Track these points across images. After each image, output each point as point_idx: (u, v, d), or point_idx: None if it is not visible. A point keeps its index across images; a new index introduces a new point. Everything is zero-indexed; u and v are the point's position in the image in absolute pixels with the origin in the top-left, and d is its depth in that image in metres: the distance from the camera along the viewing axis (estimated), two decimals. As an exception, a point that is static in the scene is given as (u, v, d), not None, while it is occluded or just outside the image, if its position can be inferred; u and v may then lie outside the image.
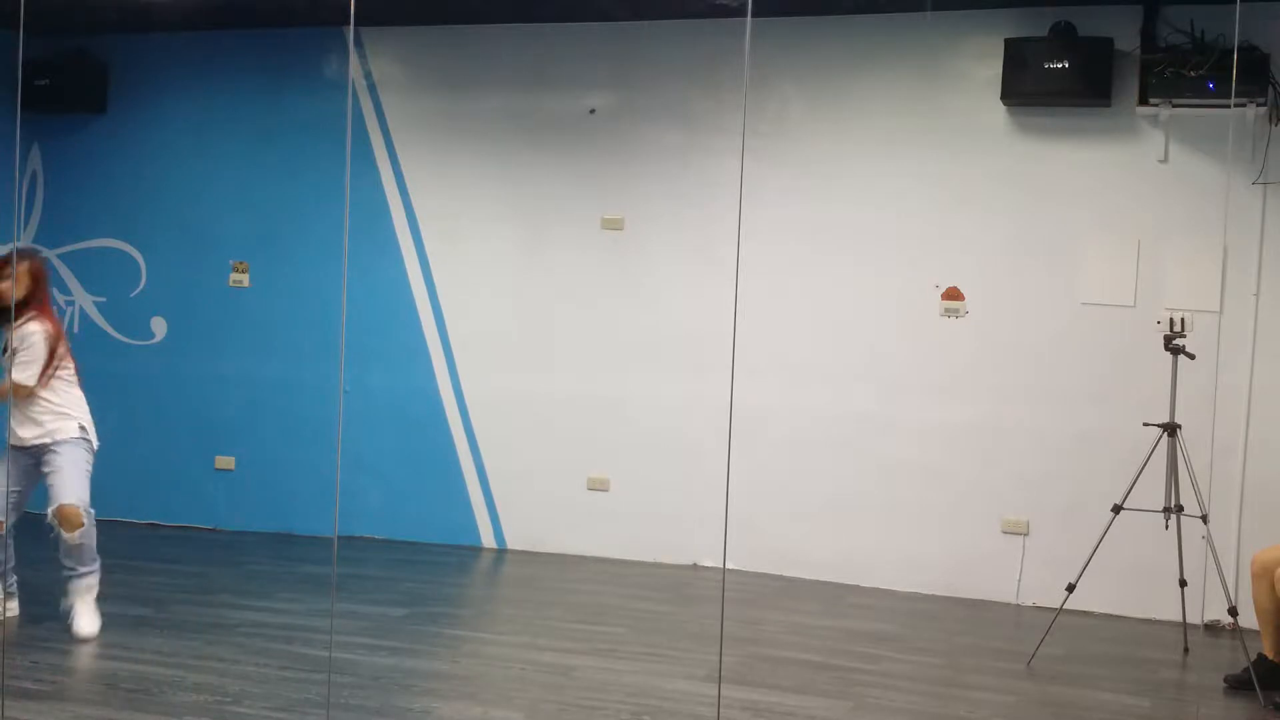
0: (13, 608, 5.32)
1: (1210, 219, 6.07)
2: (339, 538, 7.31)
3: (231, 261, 7.63)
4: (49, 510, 5.13)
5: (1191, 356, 5.37)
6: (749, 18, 4.94)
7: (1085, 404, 6.27)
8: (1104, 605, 6.14)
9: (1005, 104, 6.34)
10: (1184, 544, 5.45)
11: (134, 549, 6.76)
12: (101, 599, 5.32)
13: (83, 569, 5.17)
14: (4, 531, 5.17)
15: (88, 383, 7.77)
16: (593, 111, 7.10)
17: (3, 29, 5.41)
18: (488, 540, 7.31)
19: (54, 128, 7.78)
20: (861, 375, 6.64)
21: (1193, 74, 5.87)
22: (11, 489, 5.19)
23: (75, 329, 7.89)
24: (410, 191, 7.37)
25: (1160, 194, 6.20)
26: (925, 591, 6.52)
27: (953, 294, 6.52)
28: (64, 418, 5.25)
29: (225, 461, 7.63)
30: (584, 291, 7.10)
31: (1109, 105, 6.18)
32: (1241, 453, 6.08)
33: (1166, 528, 5.39)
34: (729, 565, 6.63)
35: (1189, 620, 5.70)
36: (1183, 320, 5.42)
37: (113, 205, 7.81)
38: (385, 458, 7.34)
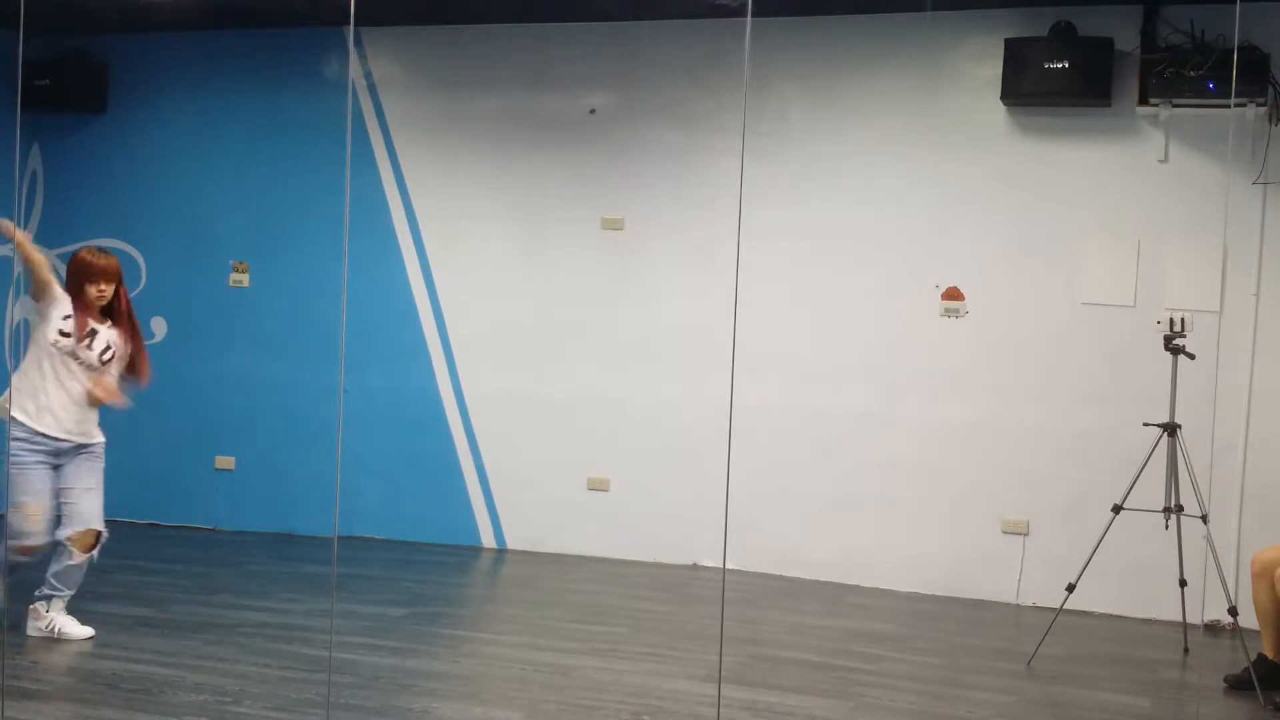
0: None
1: (1210, 219, 6.07)
2: (339, 538, 7.31)
3: (231, 261, 7.64)
4: (71, 532, 5.03)
5: (1191, 356, 5.37)
6: (749, 18, 4.94)
7: (1085, 404, 6.27)
8: (1104, 605, 6.14)
9: (1005, 104, 6.34)
10: (1184, 544, 5.45)
11: (134, 549, 6.76)
12: (102, 599, 5.32)
13: (67, 590, 5.12)
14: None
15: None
16: (593, 111, 7.10)
17: (3, 29, 5.41)
18: (488, 540, 7.32)
19: (54, 128, 7.78)
20: (861, 375, 6.64)
21: (1193, 74, 5.87)
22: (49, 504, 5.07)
23: (75, 329, 7.89)
24: (410, 191, 7.37)
25: (1160, 194, 6.21)
26: (925, 591, 6.52)
27: (953, 294, 6.52)
28: (95, 419, 5.17)
29: (225, 461, 7.64)
30: (584, 291, 7.11)
31: (1109, 105, 6.18)
32: (1241, 453, 6.08)
33: (1166, 528, 5.39)
34: (729, 565, 6.63)
35: (1189, 620, 5.70)
36: (1183, 320, 5.42)
37: (113, 205, 7.82)
38: (385, 458, 7.34)
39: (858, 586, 6.59)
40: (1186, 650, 5.65)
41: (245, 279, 7.61)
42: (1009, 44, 6.22)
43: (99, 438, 5.16)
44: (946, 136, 6.51)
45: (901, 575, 6.57)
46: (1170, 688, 5.20)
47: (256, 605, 5.79)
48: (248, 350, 7.58)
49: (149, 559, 6.67)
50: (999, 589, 6.42)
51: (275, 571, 6.51)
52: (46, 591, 5.11)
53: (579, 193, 7.11)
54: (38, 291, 5.08)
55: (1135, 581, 6.07)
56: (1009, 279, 6.43)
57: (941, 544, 6.51)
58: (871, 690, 4.85)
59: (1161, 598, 5.94)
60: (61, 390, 5.01)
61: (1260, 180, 6.03)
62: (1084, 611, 6.02)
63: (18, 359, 7.92)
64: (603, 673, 4.94)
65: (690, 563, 6.95)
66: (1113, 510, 5.32)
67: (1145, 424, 5.43)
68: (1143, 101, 6.08)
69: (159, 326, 7.71)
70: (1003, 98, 6.30)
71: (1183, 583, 5.58)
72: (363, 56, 7.42)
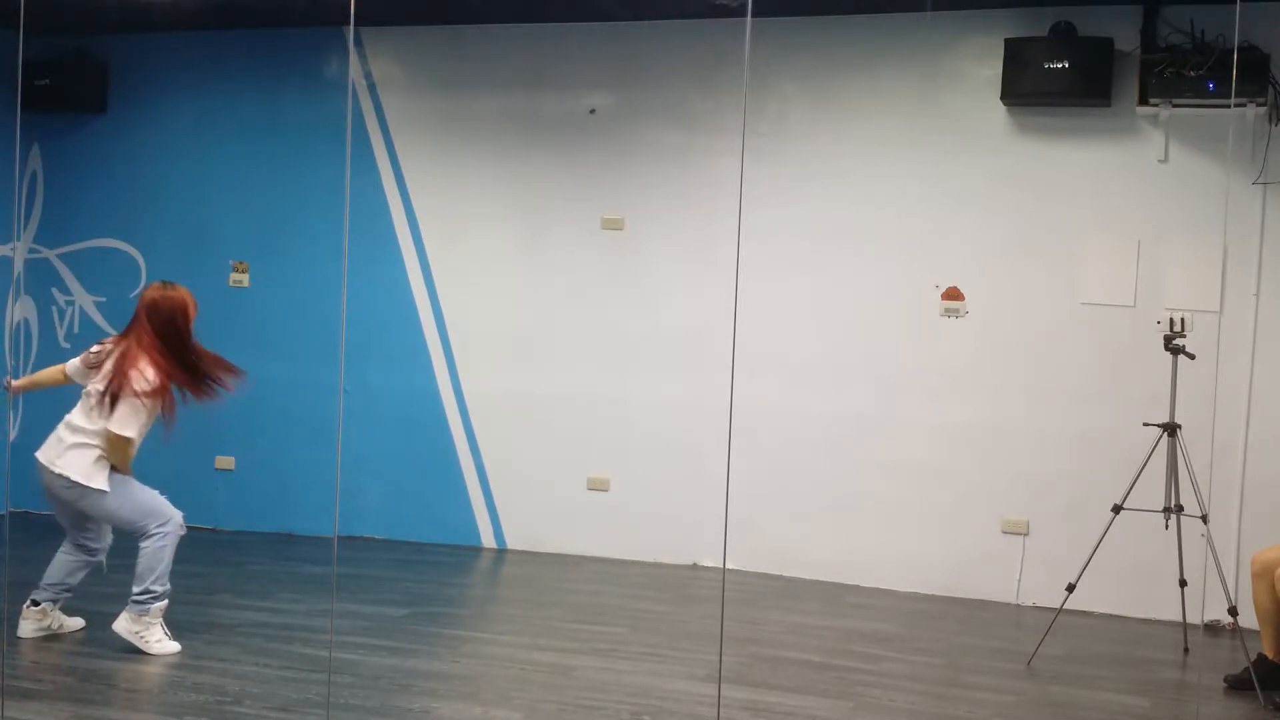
0: (78, 620, 5.29)
1: (1210, 219, 6.07)
2: (339, 538, 7.31)
3: (231, 261, 7.63)
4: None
5: (1191, 356, 5.37)
6: (749, 18, 4.93)
7: (1085, 404, 6.27)
8: (1104, 605, 6.14)
9: (1005, 104, 6.34)
10: (1184, 544, 5.45)
11: (134, 549, 6.74)
12: (102, 599, 5.32)
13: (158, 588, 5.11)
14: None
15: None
16: (593, 111, 7.10)
17: (3, 29, 5.41)
18: (488, 540, 7.32)
19: (54, 128, 7.78)
20: (861, 375, 6.64)
21: (1193, 74, 5.87)
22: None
23: (75, 329, 7.90)
24: (410, 191, 7.37)
25: (1160, 194, 6.21)
26: (925, 591, 6.52)
27: (953, 294, 6.52)
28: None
29: (225, 461, 7.64)
30: (584, 291, 7.11)
31: (1109, 105, 6.18)
32: (1241, 453, 6.08)
33: (1166, 528, 5.39)
34: (729, 565, 6.63)
35: (1189, 620, 5.70)
36: (1183, 320, 5.42)
37: (113, 205, 7.82)
38: (385, 458, 7.34)
39: (858, 586, 6.59)
40: (1186, 650, 5.65)
41: (245, 279, 7.61)
42: (1009, 44, 6.22)
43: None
44: (946, 136, 6.51)
45: (901, 575, 6.57)
46: (1170, 688, 5.20)
47: (256, 605, 5.79)
48: (248, 350, 7.55)
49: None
50: (999, 589, 6.42)
51: (275, 571, 6.51)
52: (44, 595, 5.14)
53: (579, 193, 7.11)
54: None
55: (1135, 581, 6.07)
56: (1009, 279, 6.43)
57: (941, 544, 6.51)
58: (871, 690, 4.85)
59: (1161, 598, 5.94)
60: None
61: (1260, 180, 6.03)
62: (1084, 611, 6.02)
63: (18, 359, 7.94)
64: (603, 673, 4.95)
65: (690, 563, 6.95)
66: (1113, 510, 5.32)
67: (1145, 424, 5.43)
68: (1143, 101, 6.08)
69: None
70: (1003, 98, 6.30)
71: (1183, 583, 5.58)
72: (363, 56, 7.42)
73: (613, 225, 7.06)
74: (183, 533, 5.09)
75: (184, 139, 7.72)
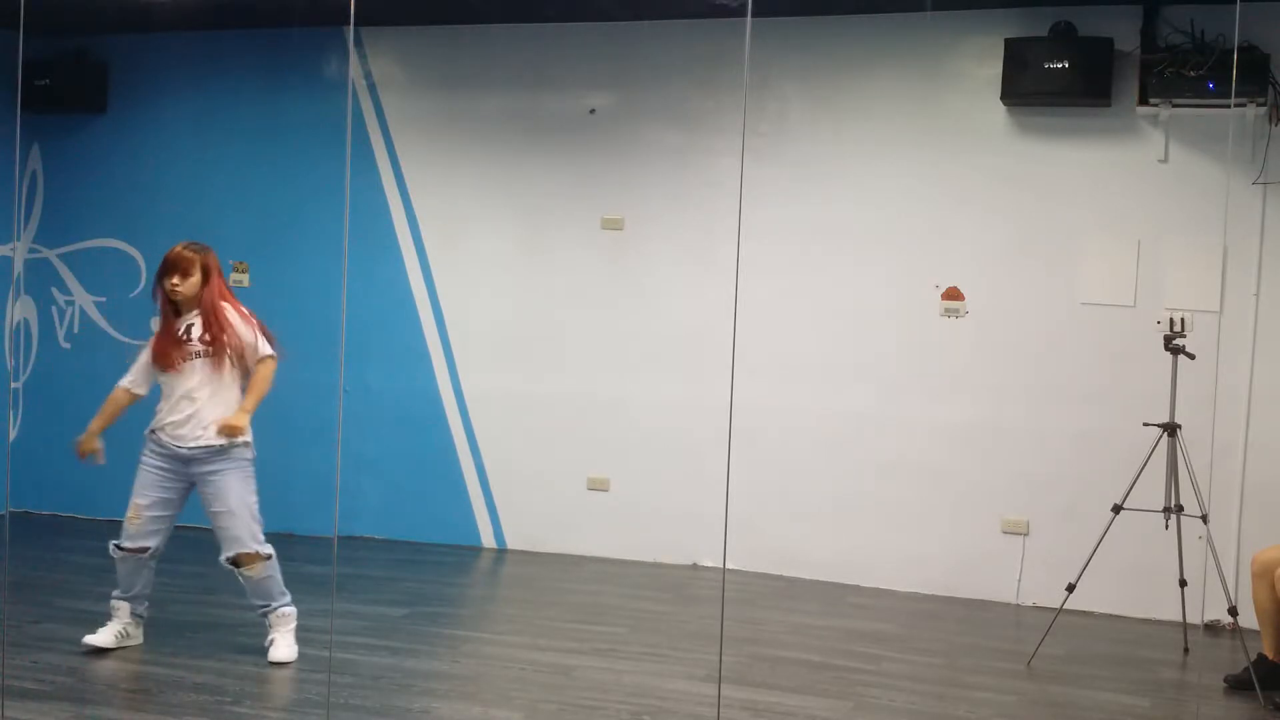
0: (137, 635, 5.12)
1: (1210, 219, 6.07)
2: (339, 538, 7.31)
3: (231, 261, 7.63)
4: (224, 557, 4.97)
5: (1191, 356, 5.37)
6: (749, 18, 4.93)
7: (1085, 404, 6.27)
8: (1104, 605, 6.14)
9: (1005, 104, 6.34)
10: (1184, 544, 5.45)
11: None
12: (102, 599, 5.31)
13: (274, 603, 5.01)
14: (145, 554, 5.01)
15: (88, 382, 7.80)
16: (593, 111, 7.10)
17: (3, 29, 5.41)
18: (488, 540, 7.31)
19: (54, 128, 7.78)
20: (861, 375, 6.64)
21: (1193, 74, 5.87)
22: (154, 513, 4.98)
23: (75, 329, 7.90)
24: (410, 191, 7.37)
25: (1160, 194, 6.20)
26: (925, 591, 6.52)
27: (953, 294, 6.52)
28: (213, 421, 4.99)
29: (225, 461, 7.62)
30: (584, 291, 7.10)
31: (1109, 105, 6.18)
32: (1241, 453, 6.08)
33: (1166, 528, 5.39)
34: (729, 565, 6.63)
35: (1189, 620, 5.70)
36: (1183, 320, 5.42)
37: (113, 205, 7.81)
38: (385, 458, 7.34)
39: (858, 586, 6.59)
40: (1186, 650, 5.65)
41: (245, 279, 7.61)
42: (1009, 44, 6.22)
43: (226, 440, 4.95)
44: (946, 136, 6.51)
45: (901, 575, 6.57)
46: (1170, 688, 5.20)
47: (257, 605, 5.78)
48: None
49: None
50: (999, 589, 6.42)
51: (275, 571, 6.50)
52: (258, 611, 5.06)
53: (579, 193, 7.10)
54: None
55: (1135, 581, 6.07)
56: (1009, 279, 6.43)
57: (941, 544, 6.51)
58: (871, 690, 4.85)
59: (1161, 598, 5.94)
60: (164, 397, 5.05)
61: (1260, 180, 6.03)
62: (1084, 611, 6.02)
63: (18, 359, 7.94)
64: (603, 673, 4.95)
65: (690, 563, 6.95)
66: (1113, 510, 5.32)
67: (1145, 424, 5.43)
68: (1143, 101, 6.08)
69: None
70: (1003, 98, 6.30)
71: (1183, 583, 5.58)
72: (363, 56, 7.42)
73: (613, 225, 7.06)
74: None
75: (184, 139, 7.72)
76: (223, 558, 4.99)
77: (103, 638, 4.99)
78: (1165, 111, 6.05)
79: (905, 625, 5.92)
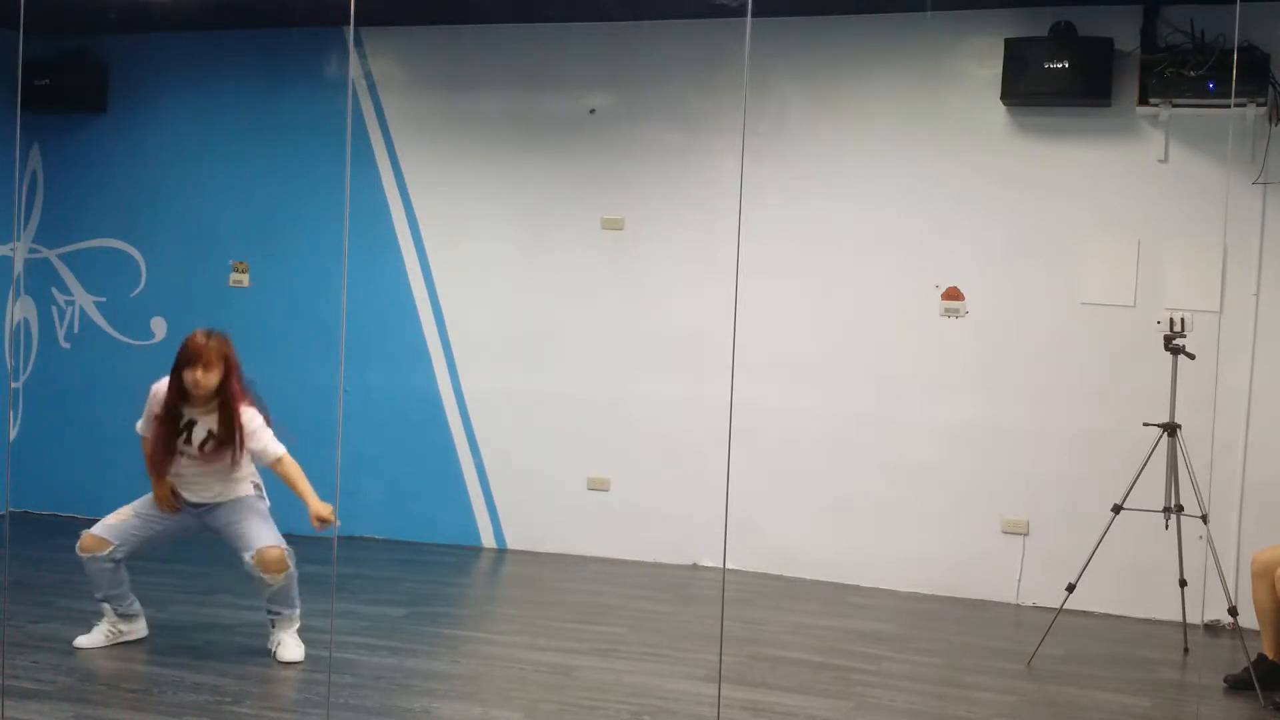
0: (134, 630, 5.14)
1: (1210, 219, 6.07)
2: (339, 538, 7.30)
3: (231, 261, 7.63)
4: (247, 557, 4.94)
5: (1191, 356, 5.37)
6: (749, 18, 4.94)
7: (1085, 404, 6.27)
8: (1104, 605, 6.14)
9: (1005, 104, 6.34)
10: (1184, 544, 5.45)
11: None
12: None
13: (286, 610, 5.00)
14: (107, 555, 4.97)
15: (88, 382, 7.81)
16: (593, 111, 7.10)
17: (3, 29, 5.42)
18: (488, 540, 7.32)
19: (54, 128, 7.78)
20: (861, 375, 6.64)
21: (1193, 74, 5.87)
22: (142, 524, 5.03)
23: (75, 329, 7.90)
24: (410, 191, 7.37)
25: (1160, 194, 6.21)
26: (925, 591, 6.52)
27: (953, 294, 6.52)
28: (237, 482, 5.10)
29: (225, 461, 7.62)
30: (584, 291, 7.11)
31: (1109, 105, 6.18)
32: (1241, 453, 6.08)
33: (1166, 528, 5.39)
34: (729, 565, 6.63)
35: (1189, 620, 5.70)
36: (1183, 320, 5.42)
37: (113, 205, 7.81)
38: (385, 458, 7.34)
39: (858, 586, 6.59)
40: (1186, 650, 5.65)
41: (245, 279, 7.61)
42: (1009, 44, 6.22)
43: (241, 494, 5.08)
44: (946, 136, 6.51)
45: (901, 575, 6.57)
46: (1170, 688, 5.20)
47: (256, 605, 5.77)
48: (248, 350, 7.53)
49: (149, 559, 6.64)
50: (999, 589, 6.42)
51: (275, 571, 6.49)
52: (269, 614, 5.04)
53: (579, 193, 7.10)
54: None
55: (1135, 581, 6.07)
56: (1009, 279, 6.43)
57: (941, 544, 6.51)
58: (871, 690, 4.85)
59: (1161, 598, 5.94)
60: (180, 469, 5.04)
61: (1260, 180, 6.03)
62: (1084, 611, 6.02)
63: (18, 359, 7.94)
64: (603, 673, 4.95)
65: (690, 563, 6.95)
66: (1113, 510, 5.32)
67: (1145, 424, 5.43)
68: (1143, 101, 6.08)
69: (159, 327, 7.70)
70: (1003, 98, 6.30)
71: (1183, 583, 5.58)
72: (363, 56, 7.42)
73: (613, 225, 7.06)
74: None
75: (184, 139, 7.72)
76: (246, 556, 4.95)
77: (93, 639, 5.03)
78: (1165, 111, 6.05)
79: (905, 625, 5.92)
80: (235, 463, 5.01)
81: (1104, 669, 5.28)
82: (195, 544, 7.18)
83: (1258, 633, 5.03)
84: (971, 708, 4.69)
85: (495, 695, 4.66)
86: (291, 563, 4.97)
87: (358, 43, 7.41)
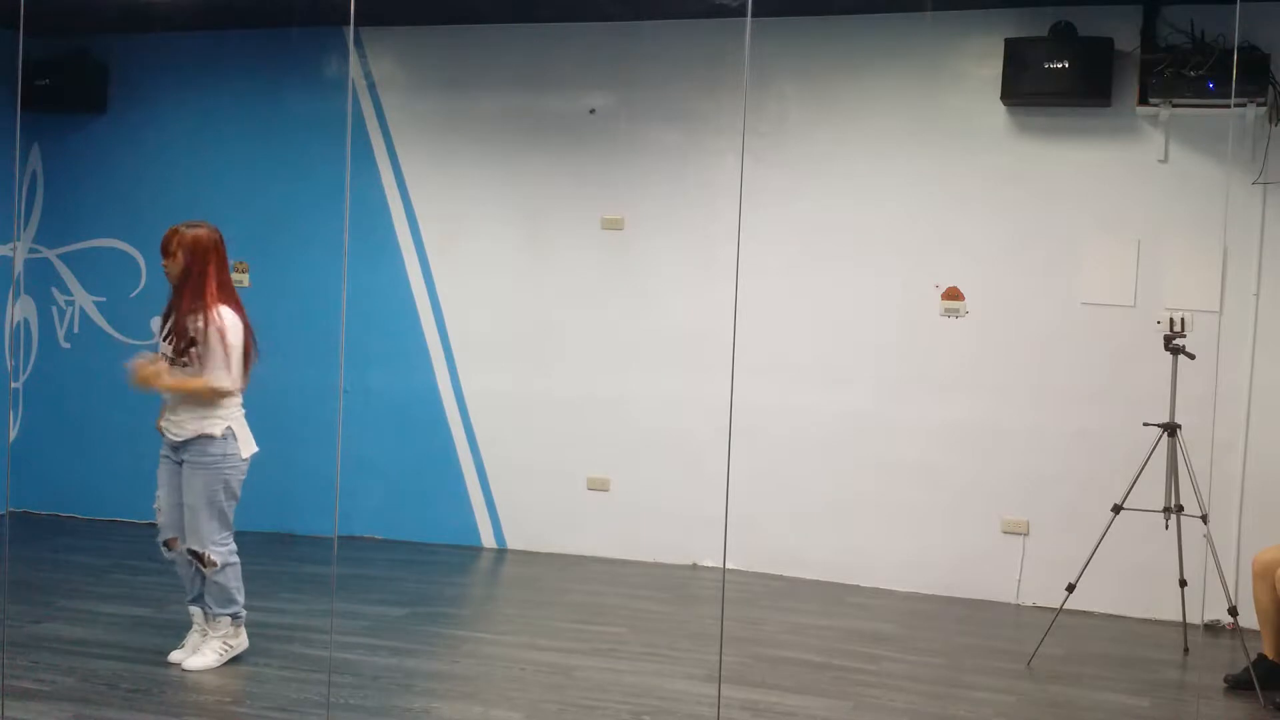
0: (242, 641, 4.96)
1: (1210, 219, 6.07)
2: (339, 538, 7.31)
3: (232, 261, 7.61)
4: (184, 547, 4.81)
5: (1191, 356, 5.37)
6: (749, 18, 4.94)
7: (1085, 404, 6.27)
8: (1104, 605, 6.14)
9: (1005, 104, 6.34)
10: (1184, 544, 5.46)
11: (134, 549, 6.76)
12: (101, 599, 5.32)
13: (215, 609, 4.84)
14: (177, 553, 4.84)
15: (88, 382, 7.80)
16: (593, 111, 7.10)
17: (3, 29, 5.42)
18: (488, 540, 7.32)
19: (54, 128, 7.78)
20: (862, 375, 6.64)
21: (1193, 74, 5.87)
22: (171, 502, 4.83)
23: (75, 329, 7.90)
24: (410, 191, 7.37)
25: (1160, 194, 6.21)
26: (925, 591, 6.52)
27: (953, 294, 6.52)
28: (204, 419, 4.75)
29: (225, 461, 7.62)
30: (584, 291, 7.10)
31: (1109, 105, 6.18)
32: (1241, 453, 6.08)
33: (1166, 528, 5.39)
34: (729, 565, 6.63)
35: (1189, 620, 5.70)
36: (1183, 320, 5.42)
37: (113, 205, 7.81)
38: (385, 458, 7.34)
39: (858, 586, 6.59)
40: (1186, 650, 5.65)
41: (245, 279, 7.61)
42: (1009, 44, 6.22)
43: (198, 431, 4.73)
44: (946, 136, 6.51)
45: (901, 575, 6.57)
46: (1170, 688, 5.20)
47: (256, 605, 5.77)
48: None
49: (148, 559, 6.66)
50: (999, 589, 6.42)
51: (275, 571, 6.50)
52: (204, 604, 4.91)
53: (579, 193, 7.10)
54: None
55: (1135, 581, 6.07)
56: (1009, 279, 6.43)
57: (941, 544, 6.51)
58: (871, 690, 4.85)
59: (1161, 598, 5.94)
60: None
61: (1260, 180, 6.03)
62: (1084, 611, 6.02)
63: (18, 359, 7.94)
64: (603, 673, 4.95)
65: (690, 563, 6.95)
66: (1113, 510, 5.32)
67: (1145, 424, 5.44)
68: (1143, 101, 6.08)
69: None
70: (1003, 98, 6.30)
71: (1183, 583, 5.58)
72: (363, 56, 7.42)
73: (613, 225, 7.06)
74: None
75: (184, 139, 7.71)
76: (184, 548, 4.84)
77: (206, 659, 4.83)
78: (1165, 111, 6.05)
79: (905, 625, 5.92)
80: (196, 367, 4.73)
81: (1104, 669, 5.29)
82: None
83: (1258, 633, 5.03)
84: (971, 708, 4.69)
85: (495, 695, 4.66)
86: (221, 564, 4.77)
87: (358, 43, 7.41)
